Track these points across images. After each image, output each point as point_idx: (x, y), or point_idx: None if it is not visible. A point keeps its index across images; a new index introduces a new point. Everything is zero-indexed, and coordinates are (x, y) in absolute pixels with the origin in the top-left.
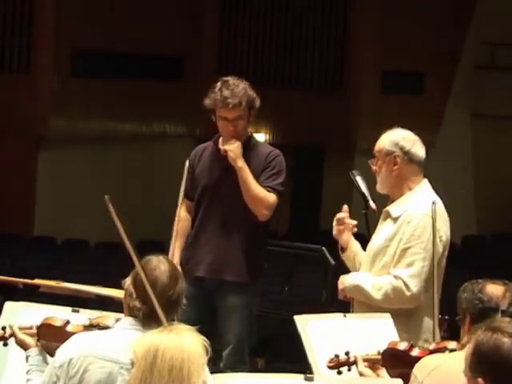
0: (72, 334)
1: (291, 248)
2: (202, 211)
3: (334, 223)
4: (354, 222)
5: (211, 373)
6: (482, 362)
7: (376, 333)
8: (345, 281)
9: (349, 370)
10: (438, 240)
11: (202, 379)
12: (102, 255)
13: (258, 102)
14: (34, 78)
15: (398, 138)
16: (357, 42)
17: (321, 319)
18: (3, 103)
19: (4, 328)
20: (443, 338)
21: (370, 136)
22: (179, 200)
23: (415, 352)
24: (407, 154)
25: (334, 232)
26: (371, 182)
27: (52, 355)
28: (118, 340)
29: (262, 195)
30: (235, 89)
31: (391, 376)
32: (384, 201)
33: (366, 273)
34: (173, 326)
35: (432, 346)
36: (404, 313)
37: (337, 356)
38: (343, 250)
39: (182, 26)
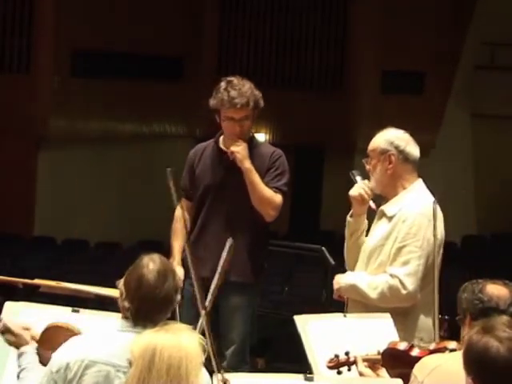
0: None
1: (291, 248)
2: (205, 211)
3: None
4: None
5: (212, 372)
6: (472, 363)
7: (376, 333)
8: (340, 280)
9: (349, 369)
10: (433, 238)
11: (199, 378)
12: (101, 255)
13: (262, 102)
14: (33, 78)
15: (393, 137)
16: (357, 42)
17: (321, 319)
18: (3, 103)
19: None
20: (443, 338)
21: (370, 136)
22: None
23: (415, 352)
24: (402, 153)
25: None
26: None
27: None
28: (113, 343)
29: (268, 196)
30: (242, 88)
31: (391, 376)
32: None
33: (362, 272)
34: (169, 325)
35: (432, 346)
36: (400, 311)
37: (337, 356)
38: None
39: (182, 26)
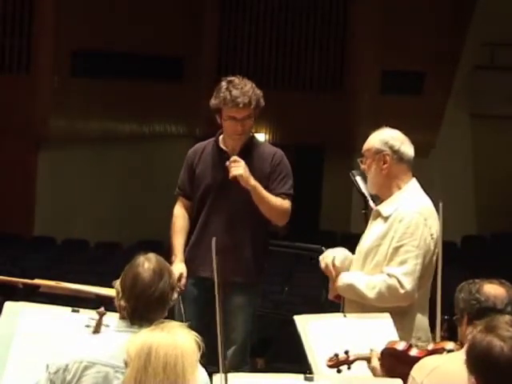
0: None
1: (291, 248)
2: (206, 211)
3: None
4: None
5: (212, 372)
6: (475, 363)
7: (376, 333)
8: (337, 280)
9: (348, 368)
10: (430, 238)
11: (195, 375)
12: (101, 255)
13: (263, 101)
14: (34, 78)
15: (387, 137)
16: (357, 42)
17: (321, 319)
18: (3, 103)
19: None
20: (443, 338)
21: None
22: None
23: (413, 352)
24: (397, 153)
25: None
26: None
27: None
28: (111, 343)
29: (278, 205)
30: (244, 88)
31: (389, 376)
32: None
33: (358, 272)
34: (164, 323)
35: (430, 347)
36: (397, 311)
37: (336, 355)
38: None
39: (182, 26)
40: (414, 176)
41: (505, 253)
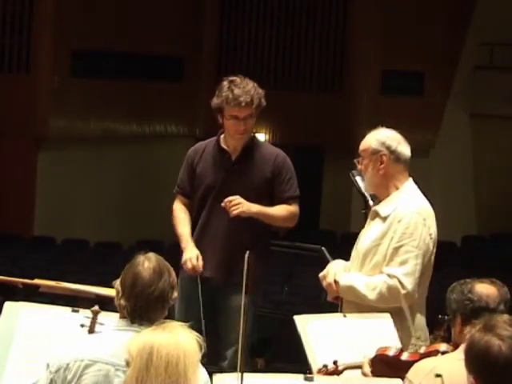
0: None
1: (291, 248)
2: (207, 210)
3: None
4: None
5: (211, 372)
6: (473, 362)
7: (376, 333)
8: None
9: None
10: (428, 238)
11: (197, 374)
12: (101, 255)
13: (264, 101)
14: (33, 78)
15: (384, 137)
16: (357, 42)
17: (321, 319)
18: (3, 103)
19: None
20: (443, 338)
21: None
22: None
23: (405, 356)
24: (394, 153)
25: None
26: None
27: None
28: (112, 342)
29: (286, 215)
30: (246, 87)
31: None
32: None
33: (357, 273)
34: (165, 323)
35: (422, 350)
36: (396, 311)
37: (325, 366)
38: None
39: (182, 25)
40: (412, 176)
41: (505, 253)
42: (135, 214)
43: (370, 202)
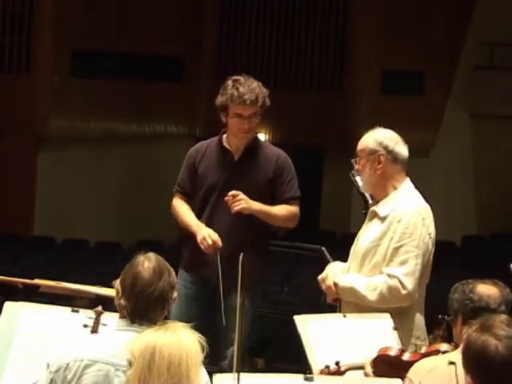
0: None
1: (291, 248)
2: (209, 210)
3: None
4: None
5: (211, 372)
6: (470, 362)
7: (376, 333)
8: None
9: None
10: (428, 237)
11: (199, 375)
12: (101, 255)
13: (268, 101)
14: (33, 78)
15: (381, 137)
16: (357, 42)
17: (321, 319)
18: (3, 103)
19: None
20: (443, 338)
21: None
22: None
23: (406, 356)
24: (391, 153)
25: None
26: None
27: None
28: (112, 342)
29: (287, 215)
30: (251, 86)
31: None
32: None
33: (356, 274)
34: (168, 324)
35: (423, 350)
36: (396, 311)
37: (327, 367)
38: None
39: (182, 25)
40: (412, 176)
41: (505, 253)
42: (135, 214)
43: (370, 202)
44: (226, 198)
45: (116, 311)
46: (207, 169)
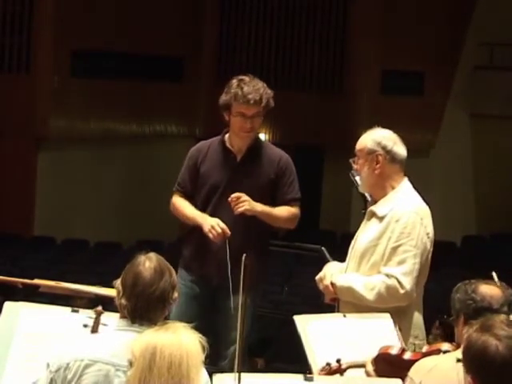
0: None
1: (291, 248)
2: (211, 210)
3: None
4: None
5: (211, 372)
6: (471, 362)
7: (376, 333)
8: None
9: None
10: (426, 237)
11: (200, 375)
12: (101, 255)
13: (272, 102)
14: (33, 78)
15: (380, 137)
16: (357, 42)
17: (321, 319)
18: (3, 103)
19: None
20: (440, 336)
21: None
22: None
23: (407, 355)
24: (389, 153)
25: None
26: None
27: None
28: (112, 342)
29: (288, 216)
30: (256, 86)
31: None
32: None
33: (354, 273)
34: (168, 324)
35: (424, 349)
36: (395, 311)
37: (328, 364)
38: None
39: (182, 25)
40: (412, 176)
41: (505, 253)
42: (135, 214)
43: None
44: (229, 200)
45: (116, 311)
46: (209, 169)
